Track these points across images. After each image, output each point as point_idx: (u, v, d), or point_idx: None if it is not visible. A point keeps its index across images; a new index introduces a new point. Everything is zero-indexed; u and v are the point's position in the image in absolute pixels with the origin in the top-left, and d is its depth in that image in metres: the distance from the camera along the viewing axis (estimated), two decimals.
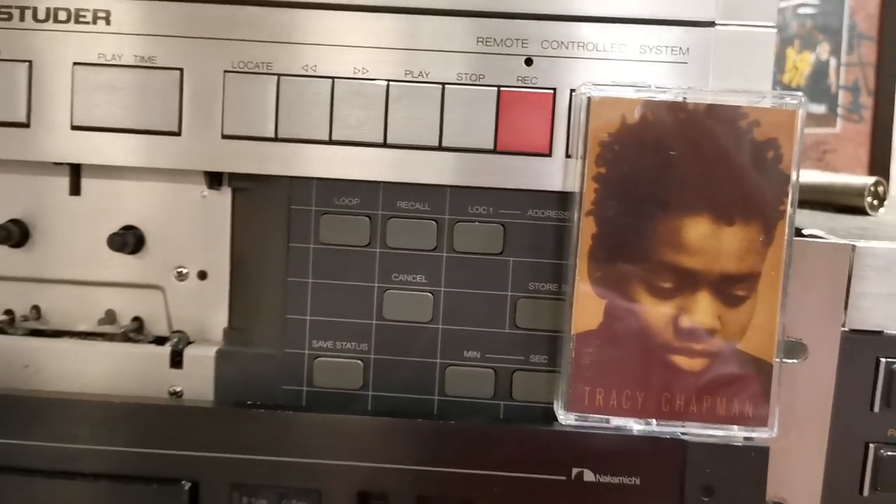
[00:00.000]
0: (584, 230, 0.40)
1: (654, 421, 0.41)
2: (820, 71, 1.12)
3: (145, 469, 0.42)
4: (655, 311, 0.40)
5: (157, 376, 0.45)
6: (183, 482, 0.41)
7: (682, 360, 0.41)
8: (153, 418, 0.42)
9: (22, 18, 0.43)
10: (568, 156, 0.43)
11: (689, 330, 0.40)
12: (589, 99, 0.40)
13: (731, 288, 0.40)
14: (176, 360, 0.45)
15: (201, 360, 0.45)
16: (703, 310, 0.40)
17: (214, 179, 0.45)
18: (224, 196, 0.46)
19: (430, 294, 0.44)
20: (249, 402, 0.43)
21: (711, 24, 0.42)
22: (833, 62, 1.11)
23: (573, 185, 0.42)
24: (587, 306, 0.40)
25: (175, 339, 0.46)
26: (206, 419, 0.42)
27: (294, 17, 0.43)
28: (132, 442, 0.42)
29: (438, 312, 0.44)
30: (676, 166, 0.40)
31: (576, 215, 0.41)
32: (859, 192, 0.65)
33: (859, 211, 0.66)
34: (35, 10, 0.43)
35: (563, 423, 0.41)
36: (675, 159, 0.40)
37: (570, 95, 0.43)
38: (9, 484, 0.42)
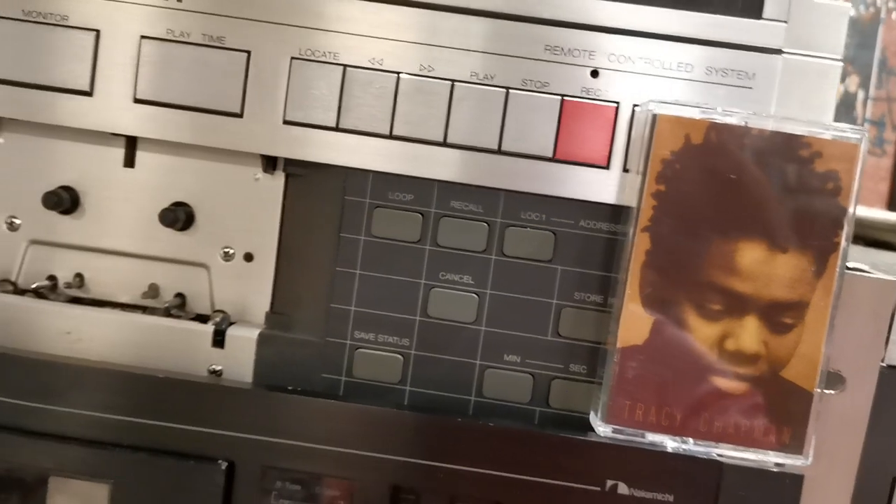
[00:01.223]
0: (639, 246, 0.41)
1: (690, 440, 0.41)
2: (847, 102, 1.12)
3: (181, 445, 0.42)
4: (702, 332, 0.41)
5: (198, 354, 0.45)
6: (220, 461, 0.41)
7: (723, 382, 0.41)
8: (193, 395, 0.42)
9: None
10: (625, 170, 0.43)
11: (734, 353, 0.41)
12: (655, 116, 0.40)
13: (779, 315, 0.40)
14: (218, 340, 0.45)
15: (243, 341, 0.45)
16: (749, 334, 0.41)
17: (269, 163, 0.45)
18: (277, 181, 0.46)
19: (475, 295, 0.44)
20: (290, 388, 0.43)
21: (779, 52, 0.43)
22: (861, 95, 1.12)
23: (629, 200, 0.42)
24: (635, 321, 0.41)
25: (218, 319, 0.46)
26: (245, 400, 0.42)
27: (363, 9, 0.43)
28: (170, 417, 0.42)
29: (482, 314, 0.44)
30: (736, 190, 0.40)
31: (631, 230, 0.41)
32: (892, 228, 0.65)
33: (888, 246, 0.66)
34: None
35: (601, 434, 0.42)
36: (735, 183, 0.40)
37: (633, 110, 0.43)
38: (45, 449, 0.42)
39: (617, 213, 0.43)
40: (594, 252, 0.44)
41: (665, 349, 0.41)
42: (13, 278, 0.47)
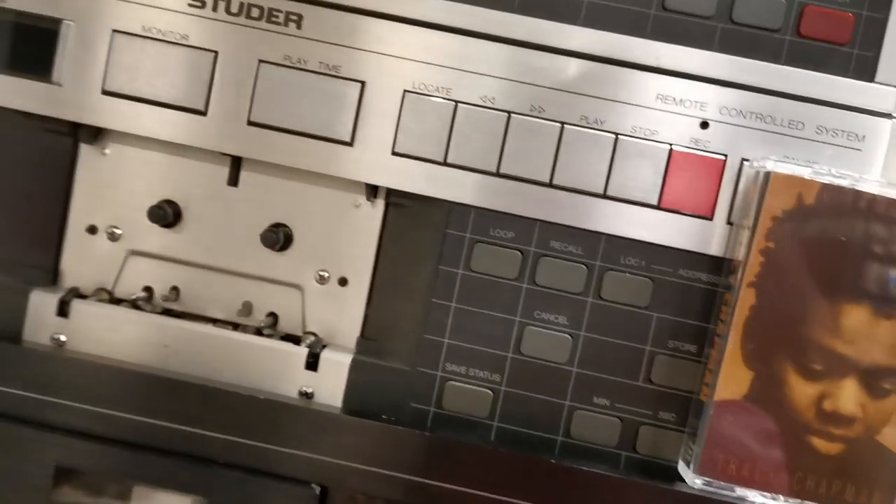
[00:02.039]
0: (744, 300, 0.41)
1: (780, 497, 0.41)
2: None
3: (274, 466, 0.43)
4: (801, 391, 0.41)
5: (290, 374, 0.46)
6: (313, 485, 0.42)
7: (819, 442, 0.41)
8: (289, 417, 0.43)
9: (215, 9, 0.44)
10: (729, 222, 0.43)
11: (831, 414, 0.41)
12: (768, 174, 0.40)
13: (879, 380, 0.40)
14: (311, 363, 0.45)
15: (336, 365, 0.45)
16: (847, 396, 0.41)
17: (371, 191, 0.46)
18: (377, 208, 0.47)
19: (569, 336, 0.45)
20: (383, 417, 0.44)
21: (889, 116, 0.43)
22: None
23: (732, 253, 0.43)
24: (734, 375, 0.41)
25: (310, 340, 0.46)
26: (339, 426, 0.43)
27: (480, 49, 0.44)
28: (265, 437, 0.43)
29: (575, 355, 0.45)
30: (844, 252, 0.40)
31: (737, 284, 0.41)
32: None
33: None
34: (229, 3, 0.44)
35: (691, 485, 0.42)
36: (844, 245, 0.40)
37: (741, 164, 0.43)
38: (136, 458, 0.43)
39: (717, 265, 0.44)
40: (691, 301, 0.44)
41: (762, 405, 0.41)
42: (110, 287, 0.48)
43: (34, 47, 0.44)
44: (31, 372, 0.44)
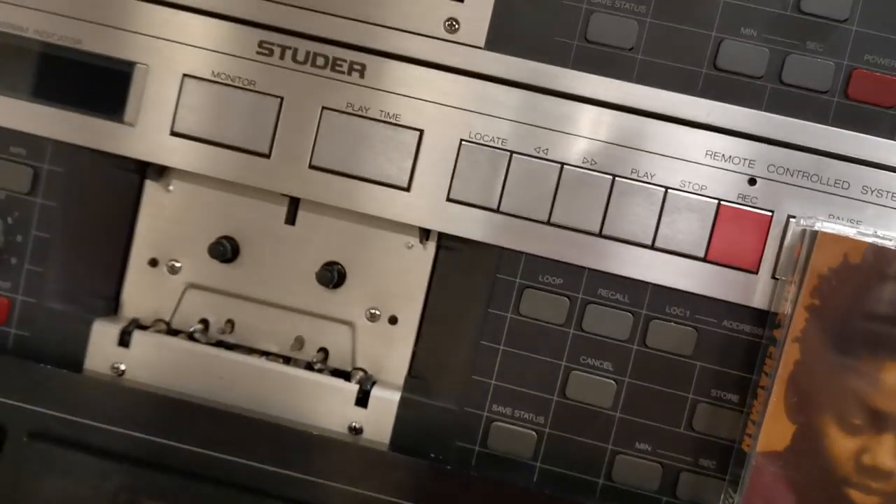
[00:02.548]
0: (788, 354, 0.42)
1: None
2: None
3: (323, 500, 0.44)
4: (841, 444, 0.42)
5: (340, 410, 0.47)
6: None
7: (857, 496, 0.42)
8: (338, 452, 0.44)
9: (282, 57, 0.46)
10: (774, 277, 0.44)
11: (870, 468, 0.42)
12: (815, 233, 0.42)
13: None
14: (361, 399, 0.47)
15: (386, 402, 0.47)
16: (886, 451, 0.42)
17: (424, 234, 0.47)
18: (428, 250, 0.48)
19: (614, 382, 0.46)
20: (433, 455, 0.45)
21: None
22: None
23: (776, 306, 0.44)
24: (777, 428, 0.42)
25: (359, 376, 0.48)
26: (387, 463, 0.44)
27: (537, 101, 0.45)
28: (315, 471, 0.44)
29: (619, 401, 0.46)
30: (888, 311, 0.41)
31: (781, 339, 0.42)
32: None
33: None
34: (295, 51, 0.46)
35: None
36: (887, 304, 0.41)
37: (787, 220, 0.44)
38: (194, 490, 0.45)
39: (761, 317, 0.45)
40: (734, 352, 0.45)
41: (803, 457, 0.42)
42: (168, 318, 0.49)
43: (108, 88, 0.46)
44: (92, 400, 0.45)
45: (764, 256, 0.45)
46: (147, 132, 0.46)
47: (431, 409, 0.47)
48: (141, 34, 0.46)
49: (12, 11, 0.46)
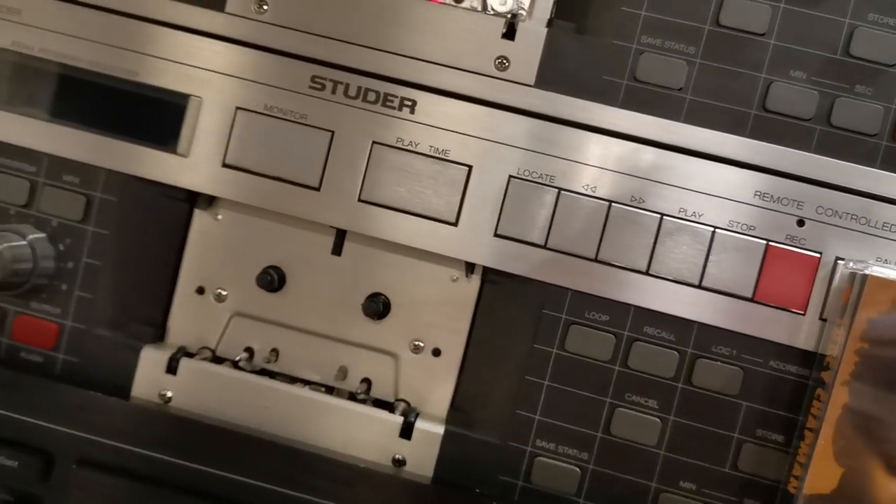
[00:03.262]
0: (836, 398, 0.42)
1: None
2: None
3: None
4: (889, 489, 0.42)
5: (384, 441, 0.47)
6: None
7: None
8: (383, 485, 0.45)
9: (334, 91, 0.46)
10: (822, 318, 0.44)
11: None
12: (865, 276, 0.42)
13: None
14: (406, 431, 0.47)
15: (430, 435, 0.47)
16: None
17: (469, 268, 0.48)
18: (473, 284, 0.48)
19: (659, 420, 0.46)
20: (476, 490, 0.45)
21: None
22: None
23: (824, 348, 0.44)
24: (824, 471, 0.42)
25: (402, 408, 0.48)
26: (432, 497, 0.44)
27: (582, 138, 0.46)
28: (357, 503, 0.44)
29: (664, 439, 0.46)
30: None
31: (830, 382, 0.42)
32: None
33: None
34: (347, 86, 0.46)
35: None
36: None
37: (835, 262, 0.44)
38: None
39: (808, 359, 0.45)
40: (780, 392, 0.45)
41: (850, 501, 0.42)
42: (213, 346, 0.50)
43: (162, 119, 0.47)
44: (140, 427, 0.46)
45: (812, 298, 0.45)
46: (199, 163, 0.47)
47: (475, 443, 0.47)
48: (195, 67, 0.47)
49: (69, 43, 0.47)
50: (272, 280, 0.49)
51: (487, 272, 0.48)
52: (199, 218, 0.49)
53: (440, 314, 0.49)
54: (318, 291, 0.50)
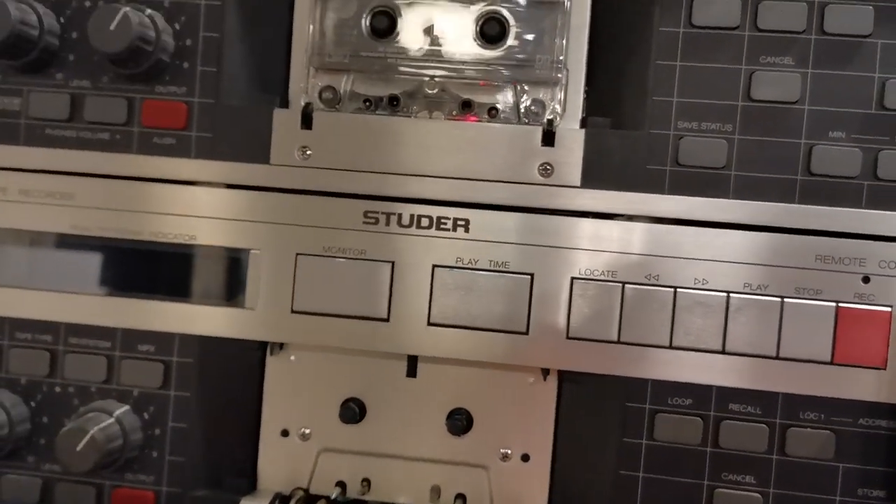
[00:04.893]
0: None
1: None
2: None
3: None
4: None
5: None
6: None
7: None
8: None
9: (387, 223, 0.47)
10: None
11: None
12: None
13: None
14: None
15: None
16: None
17: (545, 371, 0.48)
18: (550, 384, 0.49)
19: (759, 495, 0.46)
20: None
21: None
22: None
23: None
24: None
25: None
26: None
27: (637, 229, 0.46)
28: None
29: None
30: None
31: None
32: None
33: None
34: (400, 216, 0.47)
35: None
36: None
37: None
38: None
39: (895, 412, 0.45)
40: (875, 449, 0.45)
41: None
42: (305, 485, 0.50)
43: (227, 277, 0.48)
44: None
45: (890, 352, 0.45)
46: (269, 314, 0.48)
47: None
48: (250, 221, 0.48)
49: (124, 218, 0.48)
50: (354, 413, 0.49)
51: (564, 371, 0.48)
52: (273, 363, 0.50)
53: (523, 419, 0.49)
54: (399, 415, 0.50)
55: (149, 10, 0.47)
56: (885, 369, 0.45)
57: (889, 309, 0.45)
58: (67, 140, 0.49)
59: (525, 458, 0.49)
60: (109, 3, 0.47)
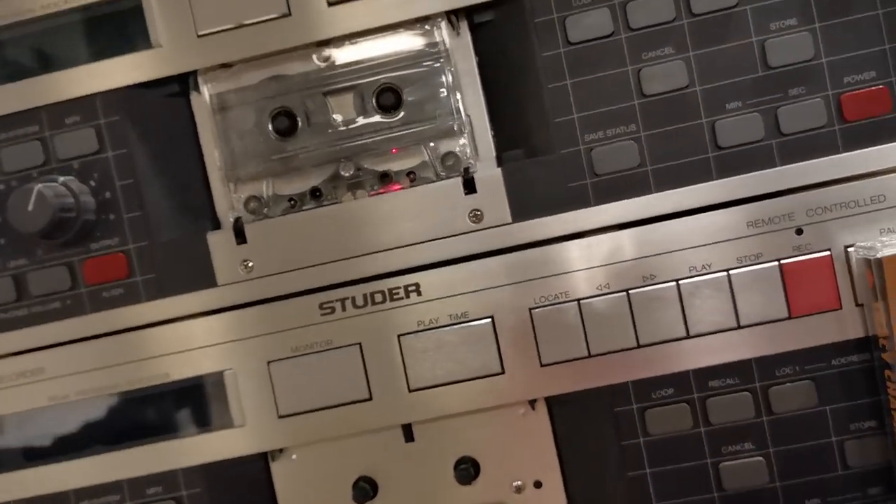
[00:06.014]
0: None
1: None
2: None
3: None
4: None
5: None
6: None
7: None
8: None
9: (343, 309, 0.49)
10: (857, 304, 0.47)
11: None
12: (879, 260, 0.44)
13: None
14: None
15: None
16: None
17: (531, 402, 0.50)
18: (540, 412, 0.50)
19: (761, 458, 0.48)
20: None
21: None
22: None
23: (873, 329, 0.46)
24: None
25: None
26: None
27: (575, 248, 0.48)
28: None
29: (773, 472, 0.48)
30: None
31: (892, 361, 0.44)
32: None
33: None
34: (354, 299, 0.49)
35: None
36: None
37: (845, 252, 0.47)
38: None
39: (864, 344, 0.47)
40: (855, 384, 0.47)
41: None
42: None
43: (209, 402, 0.49)
44: None
45: (841, 291, 0.47)
46: (258, 426, 0.49)
47: None
48: (215, 345, 0.49)
49: (96, 376, 0.50)
50: (366, 491, 0.51)
51: (551, 396, 0.50)
52: (278, 467, 0.52)
53: (525, 449, 0.51)
54: (409, 481, 0.52)
55: (61, 178, 0.48)
56: (840, 309, 0.47)
57: (828, 252, 0.47)
58: (22, 319, 0.50)
59: (538, 484, 0.51)
60: (22, 185, 0.48)
